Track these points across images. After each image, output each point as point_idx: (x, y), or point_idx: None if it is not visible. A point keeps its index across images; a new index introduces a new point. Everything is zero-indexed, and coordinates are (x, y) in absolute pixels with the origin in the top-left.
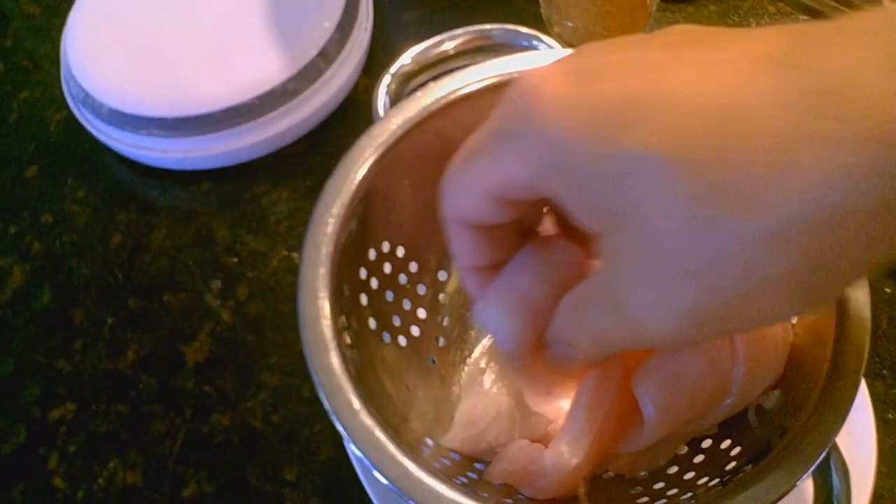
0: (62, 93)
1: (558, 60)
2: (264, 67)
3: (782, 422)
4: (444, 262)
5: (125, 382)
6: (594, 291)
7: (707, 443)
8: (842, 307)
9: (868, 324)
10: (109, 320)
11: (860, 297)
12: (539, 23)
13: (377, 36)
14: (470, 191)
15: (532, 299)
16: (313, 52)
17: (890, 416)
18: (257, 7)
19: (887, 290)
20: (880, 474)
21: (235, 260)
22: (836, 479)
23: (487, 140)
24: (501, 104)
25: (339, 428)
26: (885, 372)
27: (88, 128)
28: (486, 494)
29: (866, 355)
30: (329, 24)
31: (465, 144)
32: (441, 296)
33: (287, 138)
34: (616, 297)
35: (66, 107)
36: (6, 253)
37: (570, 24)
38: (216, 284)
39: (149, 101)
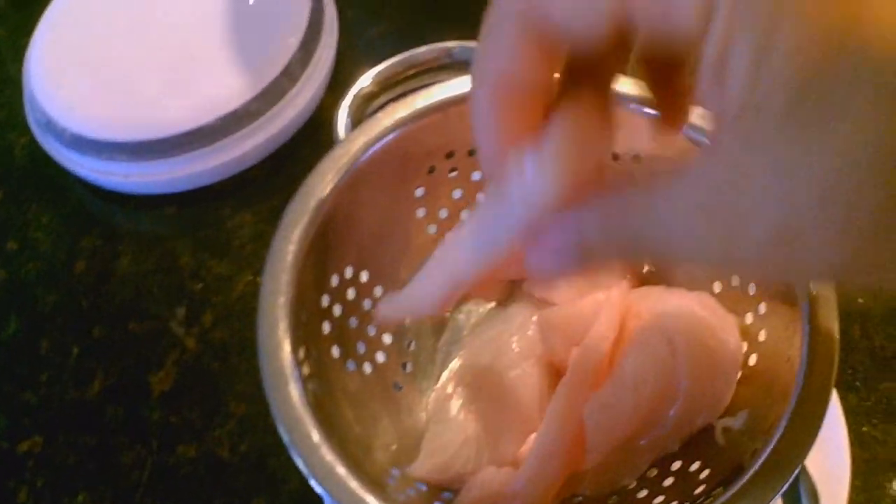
0: (25, 117)
1: None
2: (226, 88)
3: (751, 443)
4: None
5: (92, 413)
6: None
7: (676, 465)
8: (811, 325)
9: (836, 344)
10: (75, 350)
11: (828, 314)
12: None
13: (342, 53)
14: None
15: (592, 153)
16: (276, 72)
17: (864, 429)
18: (219, 27)
19: (860, 300)
20: (854, 488)
21: (200, 285)
22: (805, 502)
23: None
24: None
25: (299, 463)
26: (858, 384)
27: (51, 152)
28: None
29: (834, 376)
30: (293, 42)
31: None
32: (408, 320)
33: (251, 160)
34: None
35: (30, 131)
36: None
37: None
38: (181, 311)
39: (110, 125)
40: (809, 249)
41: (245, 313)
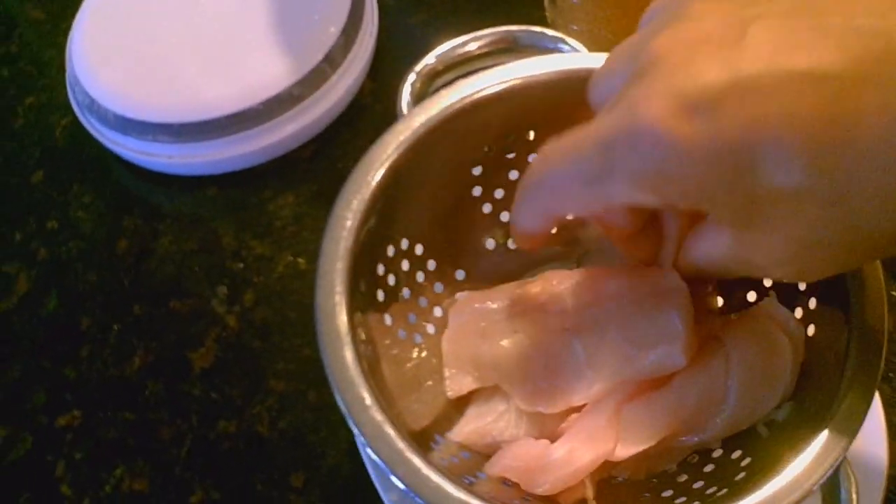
0: (68, 98)
1: (655, 88)
2: (269, 72)
3: (793, 434)
4: (462, 261)
5: (131, 389)
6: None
7: (717, 452)
8: (858, 320)
9: (884, 339)
10: (115, 327)
11: (876, 310)
12: (544, 26)
13: (383, 40)
14: (579, 204)
15: None
16: (319, 57)
17: None
18: (262, 12)
19: (894, 293)
20: (889, 478)
21: (241, 265)
22: (844, 493)
23: (611, 174)
24: (617, 139)
25: (350, 422)
26: (891, 374)
27: (94, 133)
28: (493, 494)
29: (880, 370)
30: (334, 29)
31: (574, 159)
32: (458, 294)
33: (292, 143)
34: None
35: (72, 112)
36: (12, 259)
37: (575, 27)
38: (222, 290)
39: (154, 107)
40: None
41: (285, 293)
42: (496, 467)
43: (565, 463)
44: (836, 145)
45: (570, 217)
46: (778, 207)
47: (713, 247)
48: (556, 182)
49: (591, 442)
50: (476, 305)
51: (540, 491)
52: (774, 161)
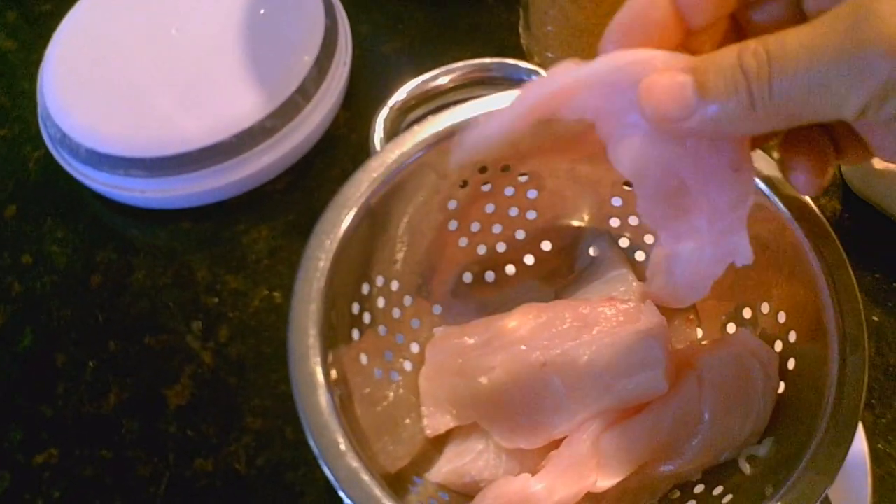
0: (39, 130)
1: None
2: (242, 105)
3: (775, 470)
4: (439, 296)
5: (108, 426)
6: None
7: (699, 488)
8: (841, 357)
9: (864, 373)
10: (91, 363)
11: (858, 344)
12: (519, 54)
13: (357, 70)
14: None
15: None
16: (292, 89)
17: (880, 446)
18: (234, 45)
19: (874, 318)
20: None
21: (216, 300)
22: None
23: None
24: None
25: (325, 469)
26: (873, 402)
27: (66, 167)
28: None
29: (861, 408)
30: (307, 59)
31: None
32: (436, 329)
33: (266, 175)
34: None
35: (44, 144)
36: None
37: (550, 54)
38: (197, 325)
39: (126, 142)
40: None
41: (261, 328)
42: None
43: (546, 496)
44: None
45: None
46: None
47: None
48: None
49: (572, 473)
50: (453, 341)
51: None
52: None
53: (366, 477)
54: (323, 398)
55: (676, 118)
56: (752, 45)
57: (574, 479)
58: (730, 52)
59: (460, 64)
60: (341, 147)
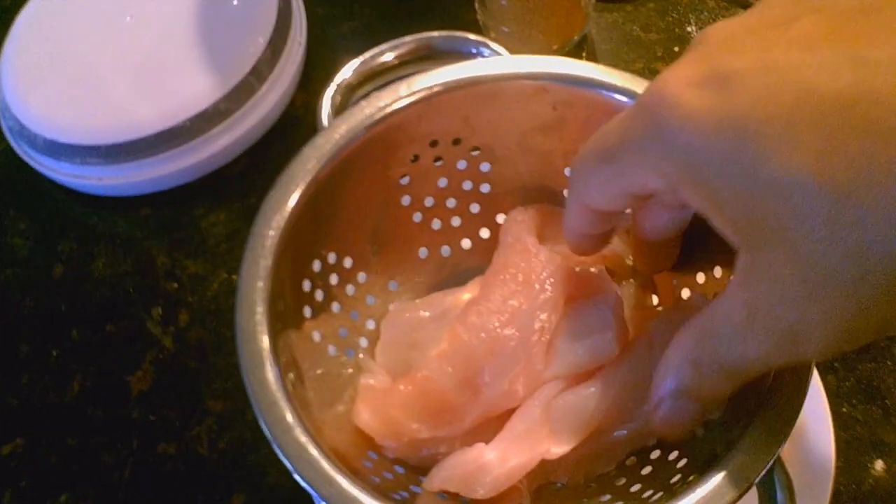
0: (0, 125)
1: (688, 60)
2: (196, 89)
3: (728, 433)
4: (394, 272)
5: (72, 414)
6: (729, 316)
7: (655, 454)
8: None
9: None
10: (54, 352)
11: None
12: (475, 29)
13: (312, 50)
14: (602, 189)
15: None
16: (245, 71)
17: (844, 409)
18: (188, 28)
19: None
20: (837, 469)
21: (176, 285)
22: (779, 494)
23: (622, 145)
24: (635, 108)
25: (273, 444)
26: (836, 365)
27: (26, 159)
28: None
29: (810, 375)
30: (261, 41)
31: (599, 139)
32: (391, 306)
33: (223, 159)
34: (765, 316)
35: (4, 138)
36: None
37: (505, 29)
38: (157, 311)
39: (83, 130)
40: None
41: (221, 311)
42: (434, 482)
43: (500, 462)
44: (859, 124)
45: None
46: (786, 214)
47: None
48: (584, 166)
49: (524, 441)
50: (408, 315)
51: (479, 495)
52: (781, 142)
53: (314, 451)
54: (270, 374)
55: None
56: None
57: (527, 446)
58: None
59: (407, 38)
60: (299, 128)
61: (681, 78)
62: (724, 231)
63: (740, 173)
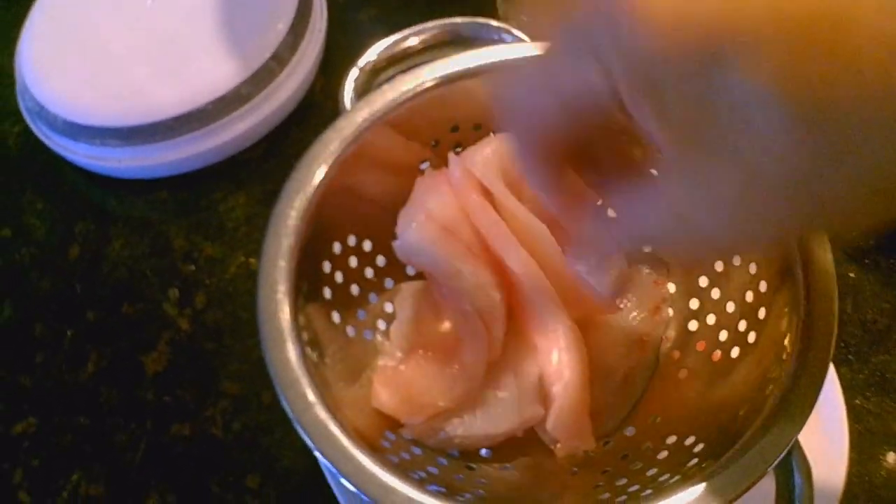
0: (18, 106)
1: None
2: (217, 73)
3: (746, 419)
4: None
5: (86, 394)
6: (656, 214)
7: (672, 439)
8: (809, 303)
9: (835, 322)
10: (69, 333)
11: (827, 291)
12: (495, 18)
13: (332, 36)
14: (535, 89)
15: None
16: (266, 56)
17: (857, 401)
18: (209, 13)
19: (851, 274)
20: (850, 460)
21: (193, 268)
22: (797, 479)
23: (565, 39)
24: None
25: (294, 421)
26: (850, 357)
27: (45, 140)
28: (443, 489)
29: (830, 355)
30: (282, 27)
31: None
32: (403, 285)
33: (243, 143)
34: (692, 220)
35: (23, 120)
36: None
37: (525, 18)
38: (174, 293)
39: (102, 112)
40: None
41: (237, 294)
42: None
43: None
44: (823, 45)
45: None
46: (738, 126)
47: (654, 203)
48: (514, 76)
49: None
50: (419, 294)
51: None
52: (743, 58)
53: (334, 429)
54: (292, 352)
55: None
56: None
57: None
58: None
59: (430, 24)
60: (318, 114)
61: None
62: (658, 133)
63: (697, 80)
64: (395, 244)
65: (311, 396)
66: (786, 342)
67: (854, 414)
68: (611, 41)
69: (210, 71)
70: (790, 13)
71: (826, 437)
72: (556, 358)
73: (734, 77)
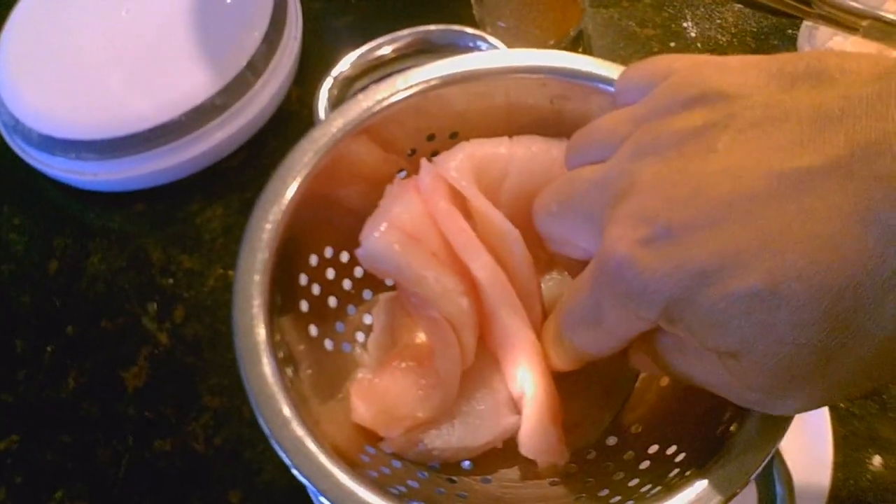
0: None
1: (628, 217)
2: (191, 83)
3: (726, 428)
4: None
5: (67, 411)
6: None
7: (653, 448)
8: None
9: None
10: (49, 348)
11: None
12: (471, 24)
13: (308, 45)
14: (599, 345)
15: None
16: (241, 65)
17: (842, 405)
18: (184, 23)
19: None
20: (835, 464)
21: (171, 281)
22: (778, 488)
23: (602, 312)
24: (599, 277)
25: (270, 438)
26: None
27: (21, 154)
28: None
29: None
30: (257, 35)
31: (575, 309)
32: (381, 296)
33: (219, 154)
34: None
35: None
36: None
37: (502, 24)
38: (152, 307)
39: (77, 125)
40: None
41: (216, 307)
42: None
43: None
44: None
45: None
46: (746, 322)
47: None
48: (573, 333)
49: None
50: (396, 303)
51: None
52: (733, 272)
53: (312, 446)
54: (268, 368)
55: None
56: None
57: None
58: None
59: (404, 32)
60: (294, 123)
61: (630, 240)
62: (700, 345)
63: (702, 302)
64: (358, 252)
65: (287, 413)
66: None
67: (838, 417)
68: (639, 302)
69: (185, 81)
70: (750, 242)
71: (810, 441)
72: (518, 373)
73: (731, 288)
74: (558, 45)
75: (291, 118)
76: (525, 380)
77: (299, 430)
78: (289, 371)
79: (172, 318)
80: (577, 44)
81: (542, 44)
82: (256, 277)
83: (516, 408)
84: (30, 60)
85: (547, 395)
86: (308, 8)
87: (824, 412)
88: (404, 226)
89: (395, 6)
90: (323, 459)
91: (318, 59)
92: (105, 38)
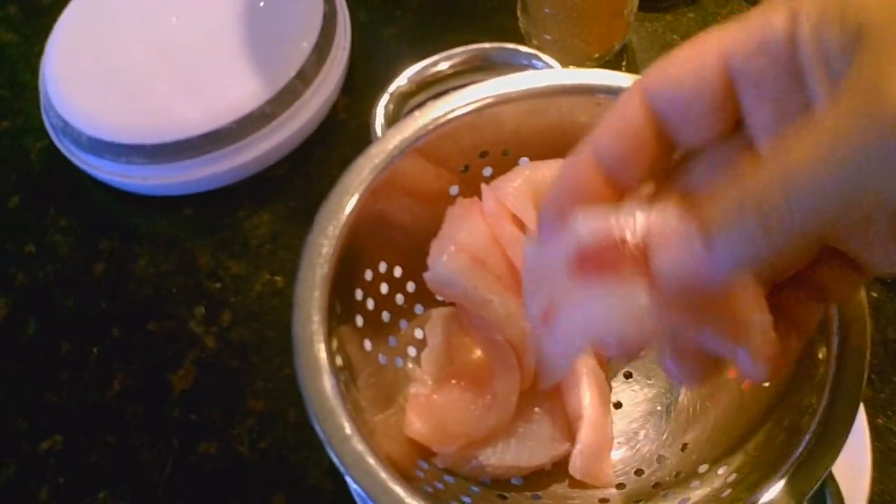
0: (43, 121)
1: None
2: (241, 91)
3: (780, 451)
4: None
5: (112, 413)
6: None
7: (703, 468)
8: (840, 338)
9: (867, 354)
10: (94, 350)
11: (859, 325)
12: (517, 37)
13: (356, 55)
14: (702, 51)
15: None
16: (291, 74)
17: (879, 421)
18: (234, 31)
19: (874, 294)
20: (872, 480)
21: (218, 285)
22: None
23: (858, 173)
24: (866, 128)
25: (331, 453)
26: (872, 376)
27: (69, 156)
28: None
29: (863, 385)
30: (306, 45)
31: (814, 162)
32: (434, 311)
33: (267, 161)
34: None
35: (47, 135)
36: None
37: (547, 37)
38: (200, 311)
39: (127, 129)
40: None
41: (263, 312)
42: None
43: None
44: None
45: None
46: None
47: None
48: (802, 201)
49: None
50: (450, 320)
51: None
52: None
53: (371, 461)
54: (328, 382)
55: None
56: (744, 167)
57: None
58: (725, 188)
59: (460, 49)
60: (341, 133)
61: None
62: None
63: None
64: (426, 276)
65: (347, 429)
66: (820, 370)
67: (876, 433)
68: None
69: (235, 89)
70: None
71: (848, 456)
72: (576, 395)
73: None
74: (603, 58)
75: (339, 128)
76: (582, 403)
77: (360, 446)
78: (346, 385)
79: (219, 322)
80: (621, 57)
81: (586, 56)
82: (316, 293)
83: (570, 432)
84: (79, 62)
85: (602, 420)
86: (355, 18)
87: (863, 428)
88: (471, 249)
89: (442, 18)
90: (384, 475)
91: (365, 70)
92: (154, 42)
